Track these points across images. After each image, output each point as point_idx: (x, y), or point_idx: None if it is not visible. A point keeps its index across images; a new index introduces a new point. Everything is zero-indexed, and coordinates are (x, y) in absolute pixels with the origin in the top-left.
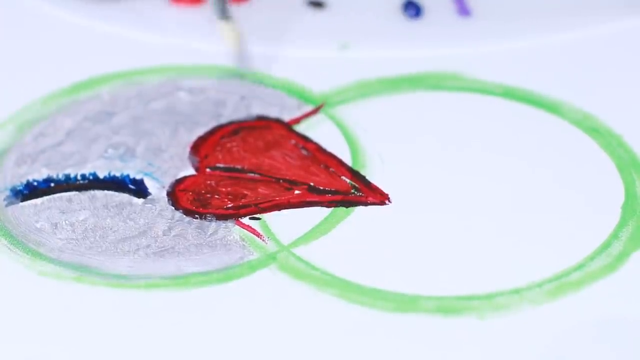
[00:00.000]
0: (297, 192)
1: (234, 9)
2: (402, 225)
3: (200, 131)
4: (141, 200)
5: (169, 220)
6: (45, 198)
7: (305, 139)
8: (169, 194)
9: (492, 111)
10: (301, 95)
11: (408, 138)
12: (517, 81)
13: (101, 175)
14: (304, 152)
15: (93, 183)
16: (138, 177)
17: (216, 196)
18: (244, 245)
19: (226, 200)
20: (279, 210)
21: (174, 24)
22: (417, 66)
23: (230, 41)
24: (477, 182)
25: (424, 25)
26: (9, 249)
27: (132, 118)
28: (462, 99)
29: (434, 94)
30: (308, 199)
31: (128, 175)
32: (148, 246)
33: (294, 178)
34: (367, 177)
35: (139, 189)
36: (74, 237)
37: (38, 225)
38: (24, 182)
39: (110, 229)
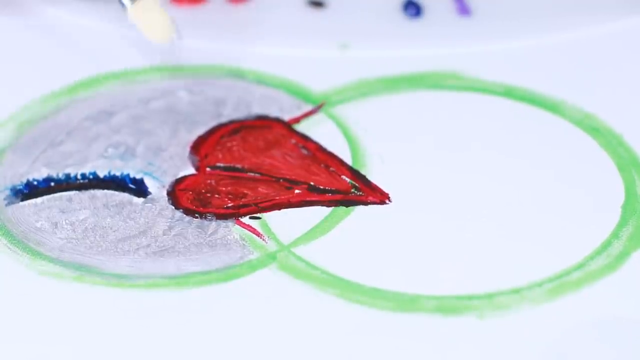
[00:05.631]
0: (297, 191)
1: (232, 9)
2: (402, 225)
3: (201, 130)
4: (141, 199)
5: (169, 220)
6: (45, 197)
7: (305, 138)
8: (169, 193)
9: (493, 111)
10: (301, 95)
11: (408, 137)
12: (518, 80)
13: (101, 175)
14: (304, 151)
15: (93, 182)
16: (138, 176)
17: (216, 195)
18: (244, 244)
19: (226, 199)
20: (279, 209)
21: (174, 23)
22: (417, 66)
23: (156, 23)
24: (477, 182)
25: (424, 25)
26: (9, 248)
27: (132, 117)
28: (463, 98)
29: (434, 93)
30: (308, 199)
31: (128, 175)
32: (148, 246)
33: (294, 177)
34: (367, 177)
35: (139, 189)
36: (74, 236)
37: (38, 225)
38: (24, 181)
39: (110, 228)
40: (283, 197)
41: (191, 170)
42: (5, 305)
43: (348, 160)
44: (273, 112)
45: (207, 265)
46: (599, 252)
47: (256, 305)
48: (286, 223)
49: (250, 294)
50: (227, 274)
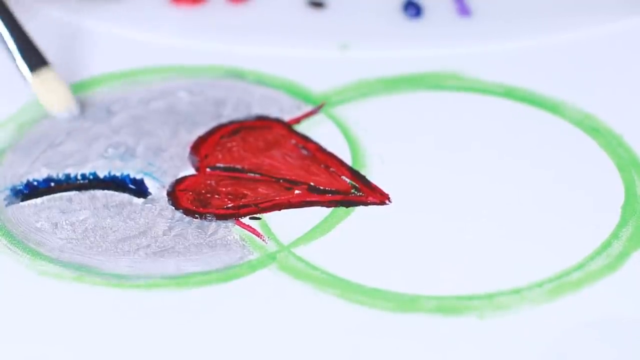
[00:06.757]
0: (297, 192)
1: (232, 9)
2: (402, 225)
3: (201, 131)
4: (141, 200)
5: (169, 220)
6: (45, 198)
7: (305, 138)
8: (169, 193)
9: (493, 111)
10: (301, 95)
11: (408, 138)
12: (518, 81)
13: (101, 175)
14: (304, 151)
15: (93, 183)
16: (138, 176)
17: (216, 196)
18: (244, 245)
19: (226, 200)
20: (279, 210)
21: (174, 24)
22: (417, 66)
23: (56, 94)
24: (477, 182)
25: (424, 25)
26: (9, 248)
27: (132, 118)
28: (462, 99)
29: (434, 94)
30: (308, 199)
31: (128, 175)
32: (148, 246)
33: (294, 178)
34: (367, 177)
35: (139, 189)
36: (74, 236)
37: (38, 225)
38: (24, 181)
39: (110, 228)
40: (283, 198)
41: (191, 171)
42: (5, 305)
43: (348, 160)
44: (273, 113)
45: (207, 265)
46: (599, 252)
47: (256, 306)
48: (286, 223)
49: (250, 294)
50: (227, 274)
